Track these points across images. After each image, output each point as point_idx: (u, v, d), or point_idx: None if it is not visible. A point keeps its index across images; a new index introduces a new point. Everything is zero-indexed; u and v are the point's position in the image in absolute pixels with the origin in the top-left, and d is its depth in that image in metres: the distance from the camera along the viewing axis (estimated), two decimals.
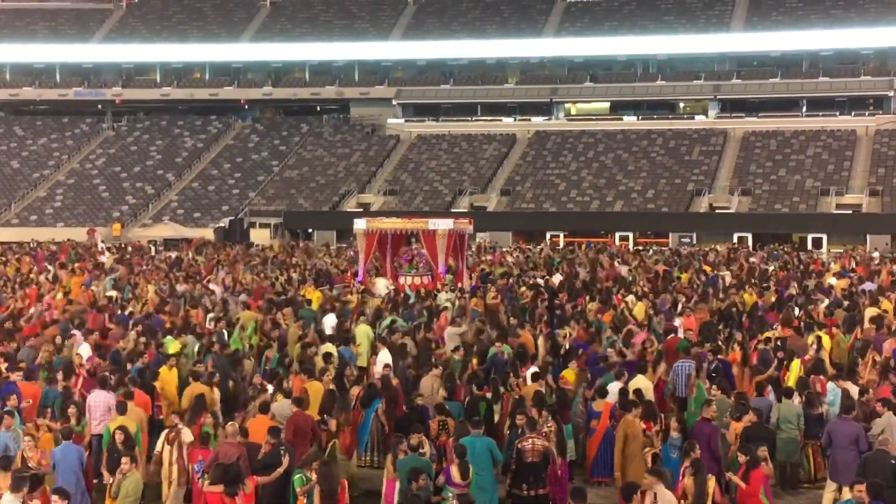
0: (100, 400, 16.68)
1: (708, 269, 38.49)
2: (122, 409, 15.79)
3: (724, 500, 13.17)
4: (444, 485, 13.63)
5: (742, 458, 13.59)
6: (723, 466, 14.71)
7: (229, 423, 15.17)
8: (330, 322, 24.55)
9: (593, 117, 78.68)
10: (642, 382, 17.70)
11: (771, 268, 37.28)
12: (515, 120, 79.17)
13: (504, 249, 51.56)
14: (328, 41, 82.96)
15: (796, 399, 16.84)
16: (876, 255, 46.36)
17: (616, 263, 39.78)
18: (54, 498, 12.09)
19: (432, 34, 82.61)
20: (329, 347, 20.55)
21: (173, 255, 47.39)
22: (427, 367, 19.05)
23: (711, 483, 13.00)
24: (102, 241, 54.53)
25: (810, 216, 62.19)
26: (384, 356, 19.99)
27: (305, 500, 12.95)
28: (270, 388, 17.46)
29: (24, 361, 19.07)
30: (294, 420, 15.64)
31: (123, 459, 13.65)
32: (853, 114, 72.73)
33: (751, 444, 14.03)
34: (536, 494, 14.56)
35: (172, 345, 20.90)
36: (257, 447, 14.33)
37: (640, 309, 25.82)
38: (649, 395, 17.32)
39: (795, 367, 19.12)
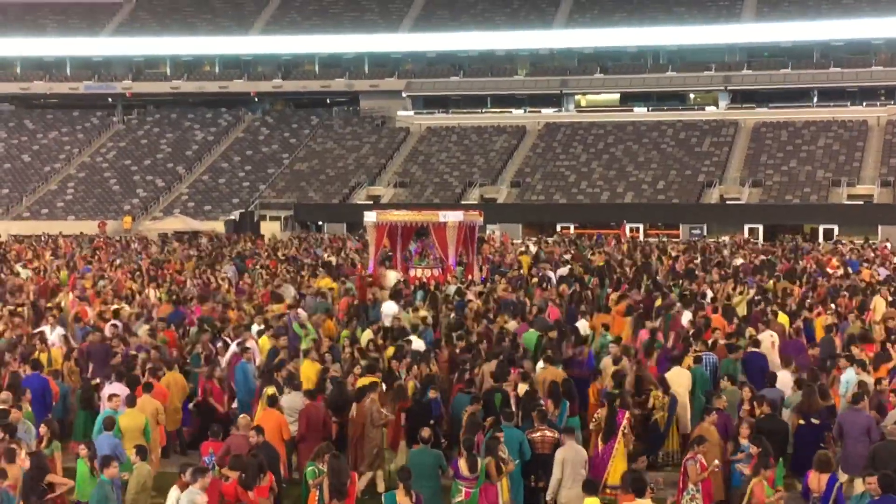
0: (114, 392, 16.71)
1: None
2: (131, 401, 15.83)
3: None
4: (453, 478, 13.63)
5: (753, 450, 13.58)
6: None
7: (241, 415, 15.21)
8: (389, 310, 24.51)
9: (603, 109, 78.50)
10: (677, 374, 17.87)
11: (739, 261, 36.92)
12: (525, 112, 79.04)
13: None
14: (338, 33, 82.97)
15: None
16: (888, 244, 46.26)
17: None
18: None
19: (442, 26, 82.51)
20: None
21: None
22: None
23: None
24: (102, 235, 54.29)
25: (821, 207, 62.03)
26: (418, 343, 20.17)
27: (318, 493, 12.97)
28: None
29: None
30: (307, 412, 15.66)
31: (130, 452, 13.77)
32: (864, 104, 72.46)
33: (763, 437, 14.02)
34: (546, 486, 14.54)
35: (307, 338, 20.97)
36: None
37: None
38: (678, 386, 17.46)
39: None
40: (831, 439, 15.10)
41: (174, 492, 12.34)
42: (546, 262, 36.23)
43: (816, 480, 12.91)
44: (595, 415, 15.75)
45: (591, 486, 12.29)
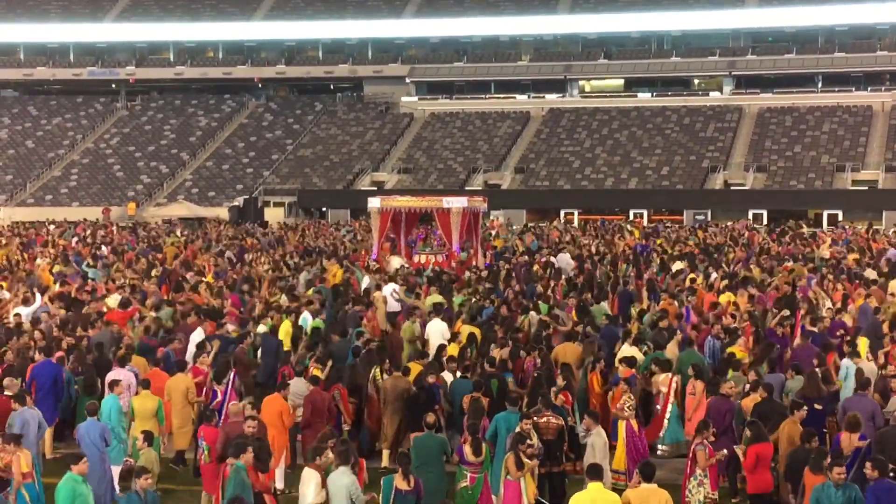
0: (120, 378, 16.76)
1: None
2: (145, 384, 15.95)
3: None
4: (458, 464, 13.66)
5: (747, 433, 13.63)
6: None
7: (244, 401, 15.21)
8: (390, 290, 24.52)
9: (607, 94, 78.41)
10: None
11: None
12: (529, 97, 78.95)
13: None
14: (341, 19, 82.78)
15: None
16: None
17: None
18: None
19: (445, 11, 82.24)
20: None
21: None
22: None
23: None
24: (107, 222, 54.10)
25: (826, 192, 61.95)
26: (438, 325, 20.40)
27: None
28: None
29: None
30: (311, 398, 15.72)
31: (138, 436, 13.82)
32: (869, 89, 72.32)
33: (758, 420, 14.03)
34: (550, 472, 14.58)
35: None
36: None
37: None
38: None
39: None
40: (835, 424, 15.11)
41: (313, 477, 12.09)
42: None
43: (848, 440, 12.97)
44: (625, 404, 15.65)
45: (595, 471, 12.31)
